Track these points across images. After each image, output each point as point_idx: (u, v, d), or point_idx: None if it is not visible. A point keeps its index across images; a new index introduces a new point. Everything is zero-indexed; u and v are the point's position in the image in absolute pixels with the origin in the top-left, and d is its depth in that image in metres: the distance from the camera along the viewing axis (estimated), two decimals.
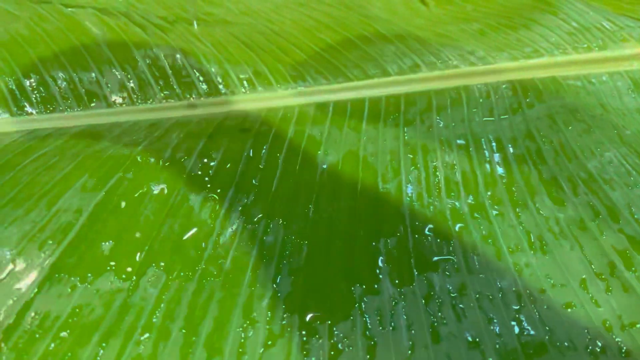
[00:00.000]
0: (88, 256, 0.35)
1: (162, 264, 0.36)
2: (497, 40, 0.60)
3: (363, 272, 0.37)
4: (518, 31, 0.61)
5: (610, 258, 0.37)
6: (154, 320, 0.33)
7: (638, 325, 0.34)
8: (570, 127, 0.48)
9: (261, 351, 0.32)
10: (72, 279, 0.34)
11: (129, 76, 0.50)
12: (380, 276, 0.37)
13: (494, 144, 0.47)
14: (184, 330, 0.33)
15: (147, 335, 0.33)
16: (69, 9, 0.58)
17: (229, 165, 0.43)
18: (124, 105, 0.49)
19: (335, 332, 0.34)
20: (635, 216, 0.40)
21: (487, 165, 0.45)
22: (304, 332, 0.34)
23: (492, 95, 0.52)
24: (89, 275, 0.35)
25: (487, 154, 0.46)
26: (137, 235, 0.37)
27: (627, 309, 0.35)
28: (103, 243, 0.36)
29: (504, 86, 0.53)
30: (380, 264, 0.38)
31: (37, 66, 0.50)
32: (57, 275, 0.34)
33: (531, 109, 0.51)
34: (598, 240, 0.39)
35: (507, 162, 0.45)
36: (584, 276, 0.37)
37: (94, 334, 0.32)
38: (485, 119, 0.50)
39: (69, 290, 0.34)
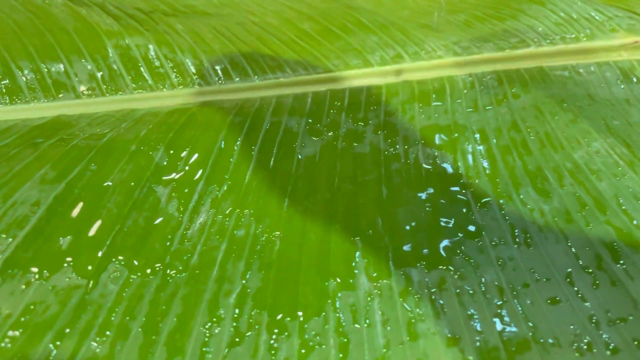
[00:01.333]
0: (45, 251, 0.33)
1: (125, 259, 0.34)
2: (483, 31, 0.58)
3: (338, 266, 0.35)
4: (505, 22, 0.59)
5: (597, 251, 0.36)
6: (113, 318, 0.31)
7: (626, 321, 0.32)
8: (556, 117, 0.46)
9: (226, 351, 0.30)
10: (27, 275, 0.32)
11: (99, 66, 0.48)
12: (356, 271, 0.35)
13: (477, 135, 0.45)
14: (144, 329, 0.31)
15: (104, 334, 0.30)
16: (41, 0, 0.56)
17: (199, 156, 0.41)
18: (94, 96, 0.47)
19: (307, 329, 0.32)
20: (623, 207, 0.38)
21: (470, 157, 0.43)
22: (272, 330, 0.32)
23: (477, 86, 0.51)
24: (45, 271, 0.33)
25: (470, 145, 0.44)
26: (99, 229, 0.35)
27: (614, 304, 0.33)
28: (61, 238, 0.34)
29: (489, 77, 0.52)
30: (356, 258, 0.36)
31: (4, 57, 0.48)
32: (10, 271, 0.32)
33: (517, 99, 0.49)
34: (584, 233, 0.37)
35: (491, 154, 0.43)
36: (569, 270, 0.35)
37: (47, 333, 0.30)
38: (469, 109, 0.48)
39: (23, 286, 0.32)
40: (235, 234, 0.37)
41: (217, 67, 0.50)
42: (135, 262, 0.34)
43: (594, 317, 0.33)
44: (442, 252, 0.36)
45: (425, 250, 0.36)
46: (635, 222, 0.37)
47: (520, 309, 0.33)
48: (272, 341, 0.31)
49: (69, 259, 0.33)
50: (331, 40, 0.56)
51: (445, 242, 0.37)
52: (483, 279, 0.35)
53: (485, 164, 0.43)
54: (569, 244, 0.36)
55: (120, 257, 0.34)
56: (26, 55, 0.48)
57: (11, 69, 0.48)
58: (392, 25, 0.59)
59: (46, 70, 0.48)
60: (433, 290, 0.34)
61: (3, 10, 0.54)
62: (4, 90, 0.46)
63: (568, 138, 0.44)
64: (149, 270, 0.34)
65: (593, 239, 0.36)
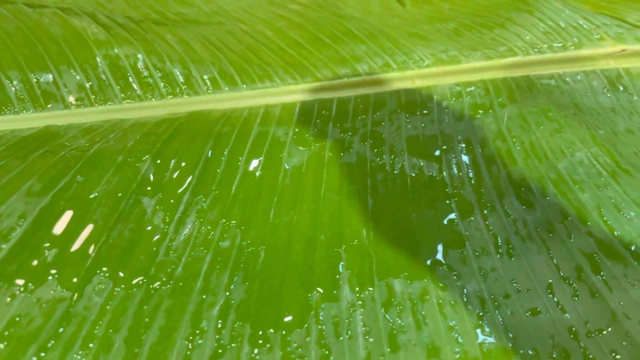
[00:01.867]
0: (30, 263, 0.34)
1: (109, 271, 0.34)
2: (471, 39, 0.58)
3: (322, 278, 0.36)
4: (493, 30, 0.60)
5: (578, 262, 0.36)
6: (97, 331, 0.32)
7: (604, 332, 0.33)
8: (541, 127, 0.46)
9: None
10: (12, 287, 0.33)
11: (88, 77, 0.49)
12: (340, 282, 0.35)
13: (463, 145, 0.46)
14: (127, 341, 0.31)
15: (87, 346, 0.31)
16: (32, 9, 0.56)
17: (186, 167, 0.41)
18: (82, 106, 0.47)
19: (289, 342, 0.32)
20: (605, 218, 0.38)
21: (455, 167, 0.44)
22: (255, 342, 0.32)
23: (464, 95, 0.51)
24: (30, 284, 0.33)
25: (455, 155, 0.45)
26: (85, 241, 0.35)
27: (593, 315, 0.33)
28: (47, 250, 0.34)
29: (475, 86, 0.52)
30: (340, 269, 0.36)
31: None
32: None
33: (503, 108, 0.49)
34: (566, 244, 0.37)
35: (476, 164, 0.44)
36: (550, 281, 0.35)
37: (31, 346, 0.30)
38: (455, 119, 0.49)
39: (8, 299, 0.32)
40: (220, 245, 0.37)
41: (206, 77, 0.50)
42: (120, 274, 0.34)
43: (573, 328, 0.33)
44: (426, 263, 0.37)
45: (408, 261, 0.37)
46: (616, 232, 0.37)
47: (500, 319, 0.34)
48: (254, 354, 0.31)
49: (53, 271, 0.34)
50: (320, 49, 0.57)
51: (428, 253, 0.37)
52: (465, 290, 0.35)
53: (471, 174, 0.43)
54: (551, 254, 0.37)
55: (105, 269, 0.34)
56: (15, 65, 0.49)
57: (1, 79, 0.48)
58: (381, 33, 0.59)
59: (35, 80, 0.48)
60: (415, 301, 0.34)
61: None
62: None
63: (552, 148, 0.44)
64: (133, 282, 0.34)
65: (574, 250, 0.37)
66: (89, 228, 0.36)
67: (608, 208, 0.39)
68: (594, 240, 0.37)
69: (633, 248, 0.36)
